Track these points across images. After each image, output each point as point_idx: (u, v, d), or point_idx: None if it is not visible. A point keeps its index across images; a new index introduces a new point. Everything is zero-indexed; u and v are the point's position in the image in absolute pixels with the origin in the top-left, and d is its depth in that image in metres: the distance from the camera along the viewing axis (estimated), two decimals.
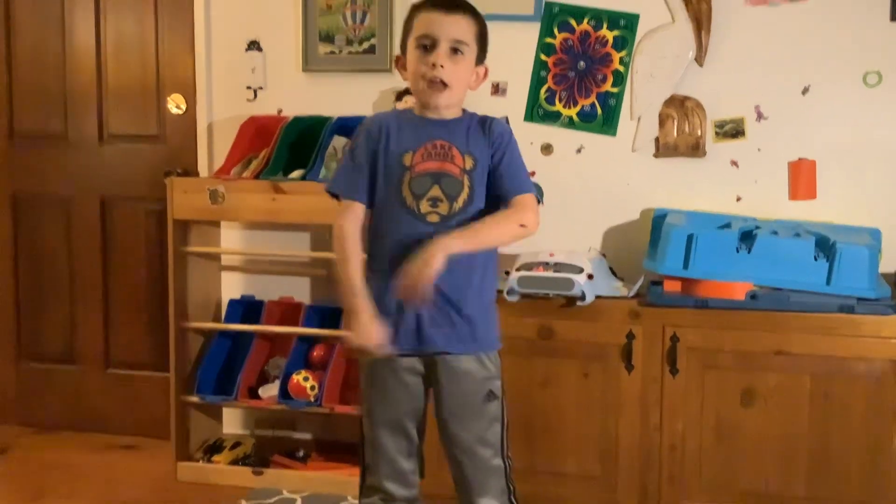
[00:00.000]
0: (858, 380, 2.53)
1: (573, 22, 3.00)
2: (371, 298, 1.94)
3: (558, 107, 3.04)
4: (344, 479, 2.96)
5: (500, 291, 2.49)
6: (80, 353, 3.56)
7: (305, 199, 2.90)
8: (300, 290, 3.29)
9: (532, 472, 2.67)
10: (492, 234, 1.94)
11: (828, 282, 2.55)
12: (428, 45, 1.92)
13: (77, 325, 3.56)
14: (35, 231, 3.57)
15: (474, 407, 1.99)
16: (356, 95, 3.15)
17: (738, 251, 2.60)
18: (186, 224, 3.09)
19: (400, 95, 3.05)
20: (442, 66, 1.91)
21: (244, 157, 3.10)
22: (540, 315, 2.69)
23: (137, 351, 3.50)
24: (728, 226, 2.72)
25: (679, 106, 2.94)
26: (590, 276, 2.65)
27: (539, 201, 3.01)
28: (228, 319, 3.23)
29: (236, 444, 3.20)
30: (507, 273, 2.70)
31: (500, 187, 1.96)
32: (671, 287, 2.66)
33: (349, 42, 3.17)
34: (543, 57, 3.03)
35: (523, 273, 2.68)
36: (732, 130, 2.93)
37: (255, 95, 3.27)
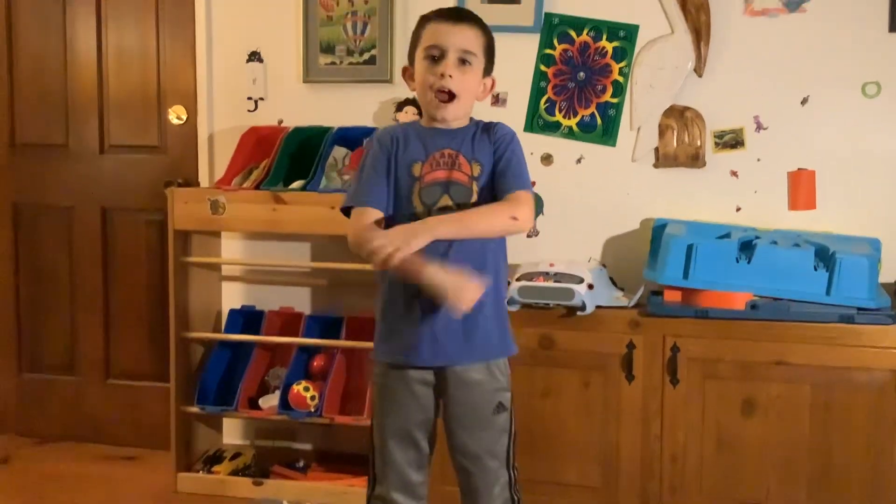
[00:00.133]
0: (859, 390, 2.52)
1: (573, 33, 3.01)
2: (381, 309, 1.97)
3: (558, 117, 3.05)
4: (344, 490, 2.96)
5: None
6: (80, 364, 3.56)
7: (306, 209, 2.91)
8: (300, 301, 3.29)
9: (533, 482, 2.65)
10: (481, 222, 1.92)
11: (828, 292, 2.55)
12: (436, 56, 1.93)
13: (77, 336, 3.55)
14: (36, 241, 3.58)
15: (483, 418, 1.99)
16: (357, 106, 3.16)
17: (738, 261, 2.60)
18: (187, 234, 3.09)
19: (400, 106, 3.05)
20: (450, 77, 1.92)
21: (245, 167, 3.11)
22: (540, 325, 2.69)
23: (138, 361, 3.50)
24: (728, 236, 2.72)
25: (678, 116, 2.95)
26: (590, 286, 2.66)
27: (539, 212, 3.05)
28: (229, 329, 3.22)
29: (236, 455, 3.19)
30: (508, 283, 2.70)
31: (498, 184, 1.96)
32: (671, 297, 2.66)
33: (350, 53, 3.18)
34: (543, 68, 3.04)
35: (524, 283, 2.69)
36: (732, 141, 2.94)
37: (256, 106, 3.28)
